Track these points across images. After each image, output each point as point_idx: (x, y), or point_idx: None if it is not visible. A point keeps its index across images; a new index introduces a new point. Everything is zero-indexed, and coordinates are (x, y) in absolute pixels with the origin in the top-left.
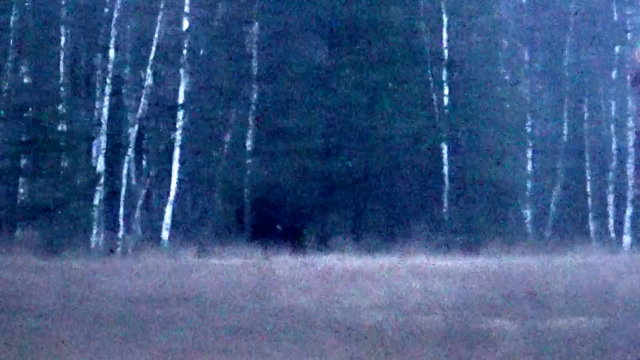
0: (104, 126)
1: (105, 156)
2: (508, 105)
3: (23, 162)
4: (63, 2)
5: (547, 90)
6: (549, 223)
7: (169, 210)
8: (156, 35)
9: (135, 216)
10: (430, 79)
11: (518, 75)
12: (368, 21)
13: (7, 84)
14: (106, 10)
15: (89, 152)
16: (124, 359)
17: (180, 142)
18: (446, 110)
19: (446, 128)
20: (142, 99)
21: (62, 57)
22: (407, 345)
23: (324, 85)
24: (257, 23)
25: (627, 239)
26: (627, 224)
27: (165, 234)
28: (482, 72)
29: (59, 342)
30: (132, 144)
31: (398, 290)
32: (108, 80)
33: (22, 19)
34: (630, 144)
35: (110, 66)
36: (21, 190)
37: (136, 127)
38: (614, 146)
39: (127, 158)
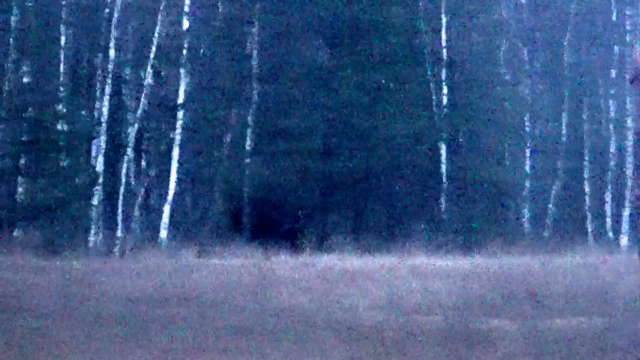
0: (104, 126)
1: (105, 156)
2: (508, 105)
3: (23, 162)
4: (64, 2)
5: (547, 90)
6: (547, 223)
7: (167, 210)
8: (156, 35)
9: (135, 216)
10: (430, 79)
11: (518, 75)
12: (368, 21)
13: (7, 84)
14: (107, 10)
15: (89, 152)
16: (124, 359)
17: (180, 142)
18: (446, 110)
19: (446, 128)
20: (142, 99)
21: (62, 57)
22: (407, 345)
23: (325, 86)
24: (257, 23)
25: (625, 239)
26: (625, 224)
27: (163, 234)
28: (482, 72)
29: (58, 342)
30: (131, 144)
31: (398, 290)
32: (108, 80)
33: (23, 18)
34: (630, 144)
35: (110, 66)
36: (21, 190)
37: (136, 126)
38: (613, 146)
39: (126, 158)
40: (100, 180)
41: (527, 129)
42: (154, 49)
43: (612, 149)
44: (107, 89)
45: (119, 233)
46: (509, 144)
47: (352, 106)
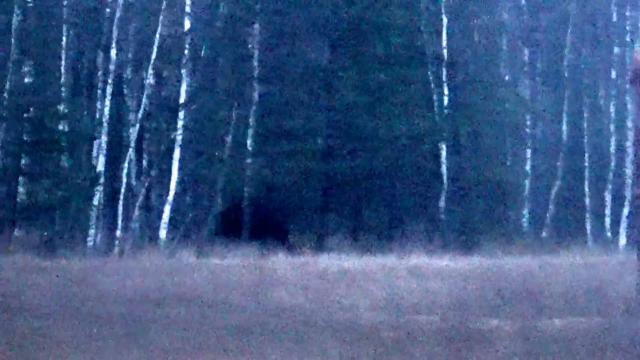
0: (105, 126)
1: (106, 156)
2: (508, 106)
3: (24, 162)
4: (65, 3)
5: (547, 90)
6: (546, 223)
7: (167, 210)
8: (158, 35)
9: (135, 216)
10: (431, 79)
11: (519, 76)
12: (370, 22)
13: (9, 84)
14: (108, 10)
15: (90, 152)
16: (124, 358)
17: (181, 142)
18: (446, 111)
19: (447, 128)
20: (144, 99)
21: (64, 57)
22: (406, 345)
23: (326, 86)
24: (258, 24)
25: (623, 239)
26: (623, 224)
27: (163, 234)
28: (483, 73)
29: (58, 342)
30: (133, 144)
31: (397, 291)
32: (110, 80)
33: (24, 19)
34: (629, 144)
35: (112, 66)
36: (22, 190)
37: (137, 127)
38: (612, 146)
39: (127, 158)
40: (101, 180)
41: (527, 129)
42: (155, 49)
43: (612, 149)
44: (109, 89)
45: (118, 233)
46: (510, 144)
47: (353, 107)
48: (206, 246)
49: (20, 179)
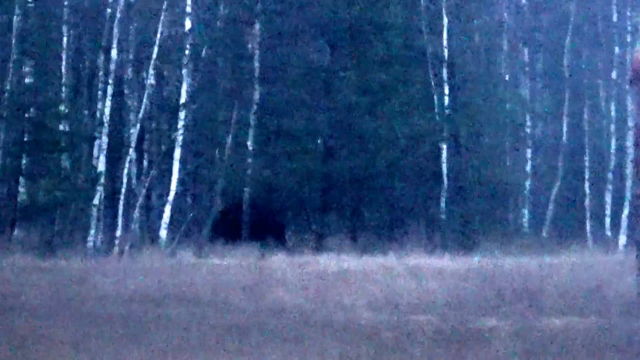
0: (106, 126)
1: (107, 156)
2: (508, 106)
3: (24, 162)
4: (66, 3)
5: (547, 90)
6: (546, 223)
7: (167, 210)
8: (158, 35)
9: (135, 216)
10: (430, 79)
11: (519, 76)
12: (370, 22)
13: (9, 84)
14: (108, 10)
15: (91, 152)
16: (123, 358)
17: (181, 142)
18: (446, 111)
19: (447, 128)
20: (144, 99)
21: (64, 57)
22: (405, 344)
23: (326, 86)
24: (258, 24)
25: (623, 239)
26: (623, 224)
27: (163, 233)
28: (483, 73)
29: (58, 342)
30: (133, 144)
31: (396, 290)
32: (110, 81)
33: (25, 19)
34: (629, 144)
35: (112, 66)
36: (22, 190)
37: (138, 127)
38: (613, 146)
39: (128, 158)
40: (102, 180)
41: (527, 129)
42: (155, 49)
43: (612, 149)
44: (109, 90)
45: (118, 233)
46: (510, 144)
47: (354, 107)
48: (206, 246)
49: (20, 179)
